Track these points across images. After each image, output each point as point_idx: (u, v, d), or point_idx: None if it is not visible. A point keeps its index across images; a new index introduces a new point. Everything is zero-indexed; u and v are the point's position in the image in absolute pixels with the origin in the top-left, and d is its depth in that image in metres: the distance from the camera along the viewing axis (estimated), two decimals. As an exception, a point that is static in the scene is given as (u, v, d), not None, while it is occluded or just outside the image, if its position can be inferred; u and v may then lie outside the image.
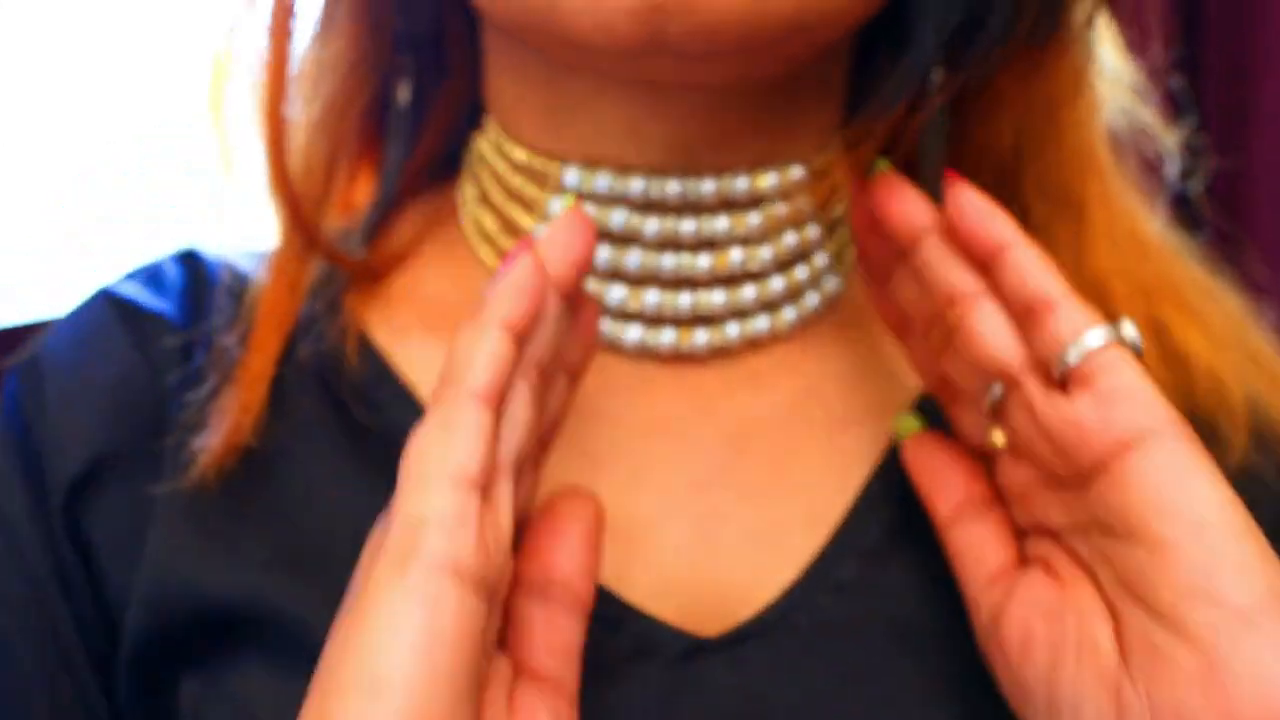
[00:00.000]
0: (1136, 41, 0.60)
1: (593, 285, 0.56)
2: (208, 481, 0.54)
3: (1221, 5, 0.80)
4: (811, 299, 0.58)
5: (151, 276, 0.59)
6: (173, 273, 0.60)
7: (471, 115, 0.61)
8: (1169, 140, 0.65)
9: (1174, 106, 0.65)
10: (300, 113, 0.57)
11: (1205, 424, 0.57)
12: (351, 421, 0.55)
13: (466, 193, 0.60)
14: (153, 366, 0.56)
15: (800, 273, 0.57)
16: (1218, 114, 0.70)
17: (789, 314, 0.57)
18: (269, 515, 0.54)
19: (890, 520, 0.55)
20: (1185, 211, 0.65)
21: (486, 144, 0.58)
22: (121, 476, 0.55)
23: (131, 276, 0.60)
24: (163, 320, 0.57)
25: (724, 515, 0.55)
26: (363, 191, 0.62)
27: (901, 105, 0.53)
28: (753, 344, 0.57)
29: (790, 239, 0.56)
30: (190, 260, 0.60)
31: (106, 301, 0.58)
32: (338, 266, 0.58)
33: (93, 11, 1.00)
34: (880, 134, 0.53)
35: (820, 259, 0.58)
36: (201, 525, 0.54)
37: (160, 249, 0.61)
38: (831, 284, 0.59)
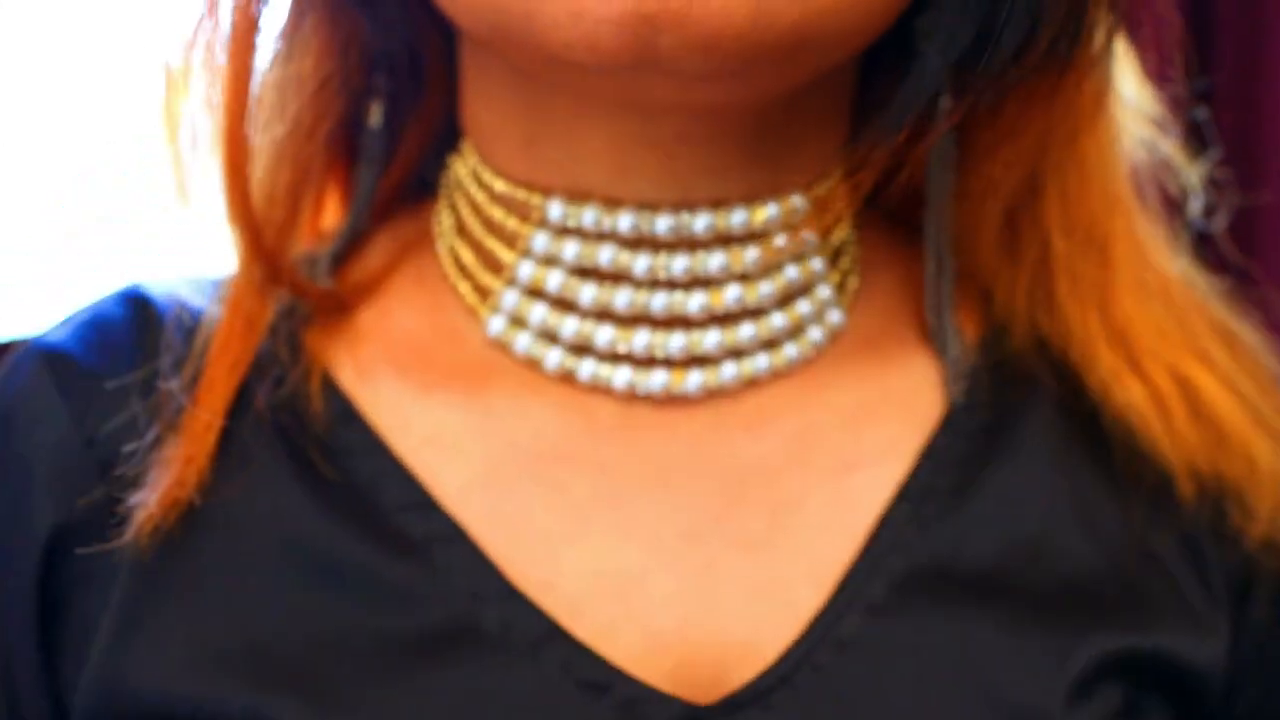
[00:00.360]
0: (1155, 69, 0.55)
1: (579, 325, 0.51)
2: (144, 544, 0.48)
3: (1232, 29, 0.76)
4: (814, 334, 0.53)
5: (91, 323, 0.53)
6: (115, 316, 0.53)
7: (449, 134, 0.56)
8: (1192, 175, 0.60)
9: (1196, 139, 0.60)
10: (262, 135, 0.52)
11: (1233, 492, 0.54)
12: (313, 473, 0.50)
13: (443, 220, 0.55)
14: (94, 432, 0.50)
15: (802, 307, 0.53)
16: (1230, 146, 0.66)
17: (790, 351, 0.53)
18: (222, 593, 0.48)
19: (899, 572, 0.50)
20: (1202, 250, 0.60)
21: (464, 169, 0.53)
22: (73, 559, 0.49)
23: (69, 324, 0.54)
24: (103, 375, 0.51)
25: (719, 569, 0.50)
26: (329, 217, 0.57)
27: (906, 131, 0.48)
28: (751, 383, 0.52)
29: (792, 273, 0.52)
30: (135, 300, 0.54)
31: (41, 361, 0.52)
32: (300, 299, 0.53)
33: (93, 11, 0.96)
34: (880, 161, 0.48)
35: (823, 291, 0.53)
36: (150, 609, 0.48)
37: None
38: (835, 316, 0.54)
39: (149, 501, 0.47)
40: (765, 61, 0.43)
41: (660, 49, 0.42)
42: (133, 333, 0.52)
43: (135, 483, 0.48)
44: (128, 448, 0.49)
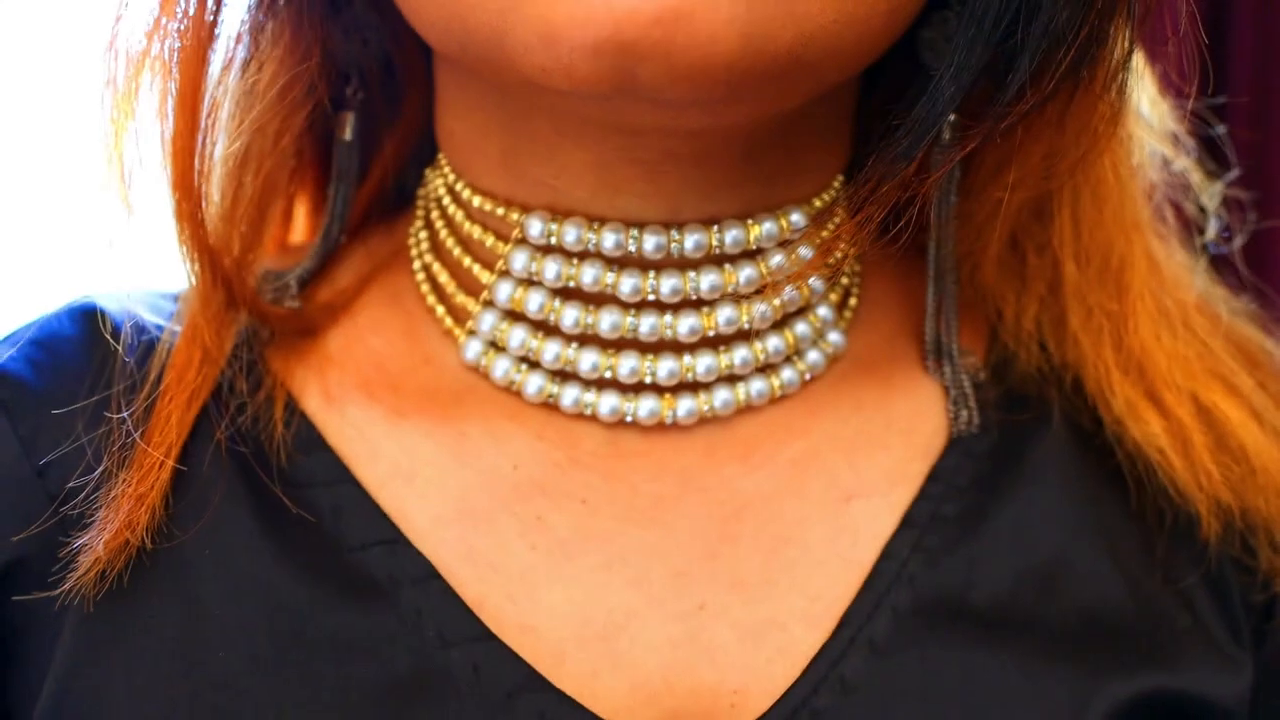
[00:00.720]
0: (1174, 86, 0.51)
1: (561, 350, 0.47)
2: (89, 592, 0.44)
3: (1247, 49, 0.73)
4: (813, 356, 0.50)
5: (40, 342, 0.49)
6: (66, 334, 0.49)
7: (430, 144, 0.52)
8: (1208, 195, 0.56)
9: (1211, 157, 0.57)
10: (221, 150, 0.47)
11: (1261, 528, 0.50)
12: (273, 509, 0.46)
13: (419, 237, 0.51)
14: (44, 461, 0.46)
15: (800, 329, 0.49)
16: (1244, 166, 0.62)
17: (787, 375, 0.49)
18: (174, 642, 0.44)
19: (904, 607, 0.47)
20: (1215, 268, 0.57)
21: (441, 184, 0.50)
22: (21, 593, 0.45)
23: (16, 341, 0.49)
24: (52, 400, 0.47)
25: (711, 610, 0.46)
26: (297, 230, 0.53)
27: (914, 164, 0.45)
28: (745, 409, 0.49)
29: (789, 292, 0.48)
30: (87, 315, 0.49)
31: None
32: (264, 322, 0.49)
33: (92, 10, 0.93)
34: (889, 197, 0.44)
35: (822, 311, 0.50)
36: (95, 658, 0.44)
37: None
38: (834, 338, 0.50)
39: (95, 545, 0.43)
40: (756, 87, 0.40)
41: (641, 79, 0.38)
42: (84, 353, 0.48)
43: (85, 519, 0.45)
44: (78, 481, 0.45)
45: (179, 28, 0.45)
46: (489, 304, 0.48)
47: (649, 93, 0.39)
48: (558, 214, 0.46)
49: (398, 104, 0.53)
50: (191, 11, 0.45)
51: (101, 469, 0.45)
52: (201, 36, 0.45)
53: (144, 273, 0.50)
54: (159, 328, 0.48)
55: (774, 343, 0.48)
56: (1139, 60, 0.50)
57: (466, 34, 0.40)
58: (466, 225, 0.48)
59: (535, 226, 0.46)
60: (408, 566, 0.45)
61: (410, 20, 0.43)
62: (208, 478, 0.46)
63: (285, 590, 0.44)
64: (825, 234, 0.48)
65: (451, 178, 0.49)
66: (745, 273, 0.47)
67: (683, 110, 0.41)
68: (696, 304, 0.47)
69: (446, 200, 0.49)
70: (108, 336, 0.48)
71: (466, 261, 0.48)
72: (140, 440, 0.45)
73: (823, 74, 0.41)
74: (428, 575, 0.45)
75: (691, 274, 0.46)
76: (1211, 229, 0.58)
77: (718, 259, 0.46)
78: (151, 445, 0.45)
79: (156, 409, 0.46)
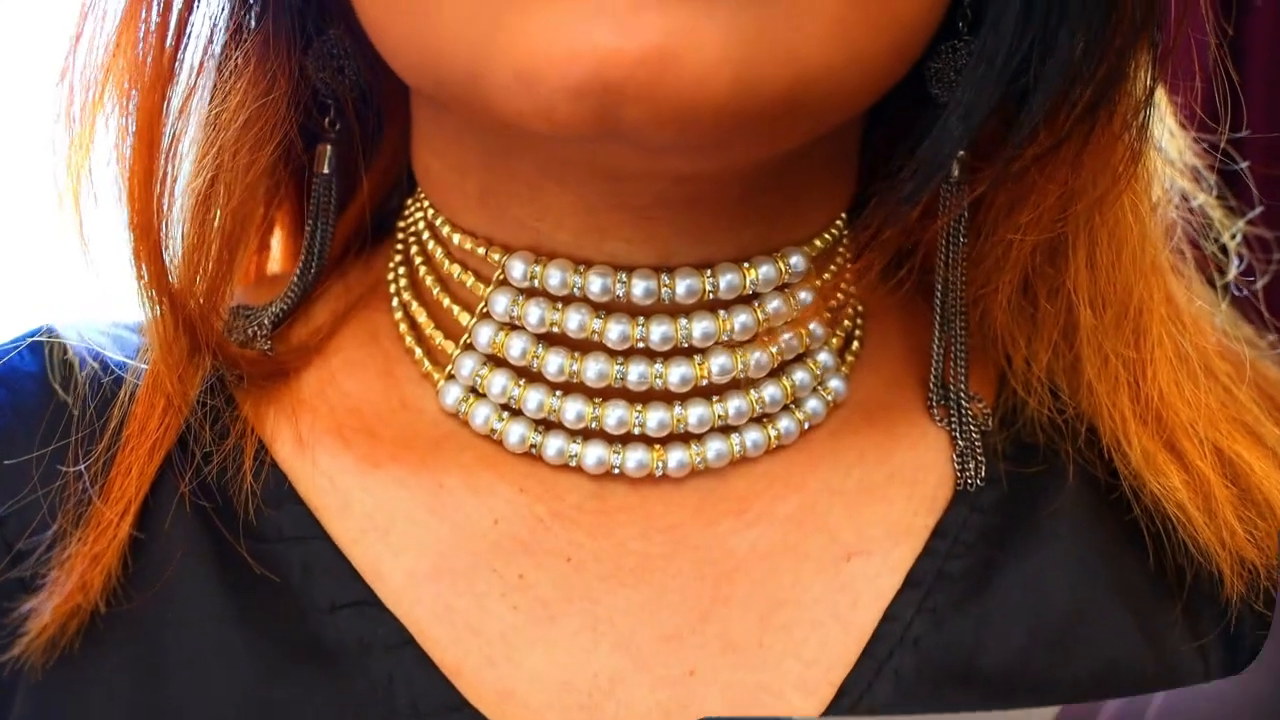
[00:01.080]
0: (1198, 119, 0.49)
1: (545, 398, 0.45)
2: (38, 660, 0.41)
3: (1263, 81, 0.71)
4: (812, 405, 0.47)
5: (1, 378, 0.46)
6: (24, 370, 0.46)
7: (409, 170, 0.49)
8: (1229, 233, 0.54)
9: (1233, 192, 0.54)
10: (185, 186, 0.45)
11: None
12: (237, 569, 0.43)
13: (397, 272, 0.49)
14: (2, 511, 0.43)
15: (799, 376, 0.46)
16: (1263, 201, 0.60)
17: (785, 425, 0.46)
18: (131, 708, 0.41)
19: (907, 672, 0.44)
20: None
21: (420, 217, 0.47)
22: None
23: None
24: (9, 443, 0.44)
25: (702, 675, 0.44)
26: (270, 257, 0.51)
27: (919, 208, 0.43)
28: (740, 461, 0.46)
29: (788, 338, 0.45)
30: (48, 348, 0.47)
31: None
32: (233, 365, 0.46)
33: (44, 41, 0.91)
34: (892, 243, 0.42)
35: (824, 357, 0.47)
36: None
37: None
38: (835, 385, 0.48)
39: (43, 610, 0.41)
40: (750, 131, 0.37)
41: (625, 122, 0.36)
42: (42, 392, 0.45)
43: (39, 578, 0.42)
44: (27, 543, 0.42)
45: (137, 57, 0.43)
46: (469, 348, 0.45)
47: (634, 137, 0.36)
48: (541, 256, 0.44)
49: (377, 134, 0.50)
50: (151, 41, 0.43)
51: (56, 527, 0.42)
52: (161, 66, 0.43)
53: (110, 295, 0.48)
54: (121, 365, 0.45)
55: (771, 391, 0.46)
56: (1159, 95, 0.48)
57: (442, 72, 0.38)
58: (446, 264, 0.46)
59: (517, 268, 0.44)
60: (379, 631, 0.42)
61: (385, 57, 0.41)
62: (169, 534, 0.43)
63: (248, 655, 0.42)
64: (825, 278, 0.45)
65: (431, 212, 0.46)
66: (740, 319, 0.44)
67: (670, 155, 0.38)
68: (688, 352, 0.44)
69: (426, 236, 0.47)
70: (56, 386, 0.45)
71: (446, 302, 0.46)
72: (97, 498, 0.42)
73: (822, 116, 0.38)
74: (401, 641, 0.42)
75: (683, 320, 0.44)
76: (1233, 269, 0.55)
77: (711, 304, 0.44)
78: (110, 501, 0.42)
79: (117, 461, 0.43)
